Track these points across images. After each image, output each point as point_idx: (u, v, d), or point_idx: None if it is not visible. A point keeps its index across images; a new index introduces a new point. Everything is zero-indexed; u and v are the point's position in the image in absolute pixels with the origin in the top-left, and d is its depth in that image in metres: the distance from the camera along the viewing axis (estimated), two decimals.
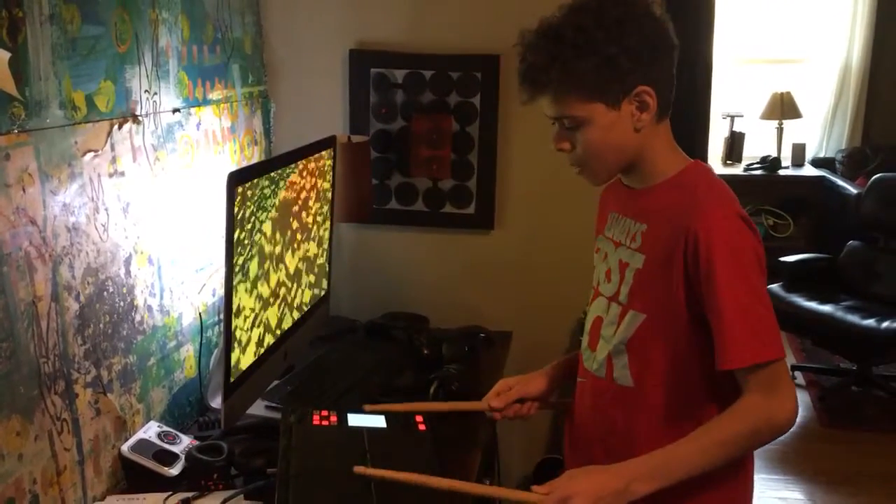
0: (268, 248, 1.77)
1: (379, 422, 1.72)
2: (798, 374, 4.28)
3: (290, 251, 1.92)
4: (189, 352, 1.92)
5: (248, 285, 1.69)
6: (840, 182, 5.18)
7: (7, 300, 1.30)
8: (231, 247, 1.57)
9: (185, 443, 1.70)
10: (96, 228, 1.54)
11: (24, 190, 1.33)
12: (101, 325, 1.56)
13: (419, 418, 1.76)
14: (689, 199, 1.31)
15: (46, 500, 1.41)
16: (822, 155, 5.82)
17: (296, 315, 2.01)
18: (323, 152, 2.09)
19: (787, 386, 1.27)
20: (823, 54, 5.70)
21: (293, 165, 1.88)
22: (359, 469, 1.34)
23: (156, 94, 1.74)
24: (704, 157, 5.60)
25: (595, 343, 1.46)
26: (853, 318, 3.82)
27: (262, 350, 1.80)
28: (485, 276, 2.52)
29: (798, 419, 3.81)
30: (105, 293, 1.57)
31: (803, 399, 4.08)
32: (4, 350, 1.29)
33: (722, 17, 5.49)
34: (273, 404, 1.90)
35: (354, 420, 1.71)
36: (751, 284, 1.26)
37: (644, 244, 1.37)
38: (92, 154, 1.51)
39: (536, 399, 1.64)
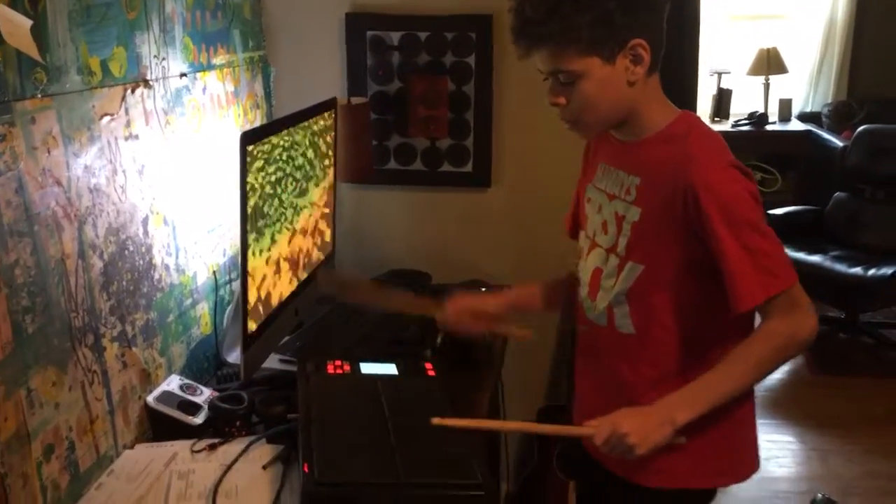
0: (276, 208, 1.84)
1: (390, 369, 1.80)
2: None
3: (296, 210, 1.98)
4: (204, 309, 1.99)
5: (259, 244, 1.75)
6: (826, 135, 5.25)
7: (39, 257, 1.36)
8: (245, 204, 1.64)
9: (205, 394, 1.78)
10: (115, 190, 1.60)
11: (49, 152, 1.39)
12: (124, 283, 1.63)
13: (428, 365, 1.85)
14: (681, 152, 1.36)
15: (82, 447, 1.48)
16: (808, 109, 5.89)
17: (305, 272, 2.08)
18: (325, 114, 2.15)
19: (804, 304, 1.33)
20: (808, 9, 5.74)
21: (297, 127, 1.94)
22: (436, 420, 1.38)
23: (164, 59, 1.79)
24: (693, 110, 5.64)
25: (595, 293, 1.52)
26: (840, 267, 3.93)
27: (277, 305, 1.88)
28: (484, 232, 2.59)
29: (787, 366, 3.93)
30: (126, 252, 1.64)
31: None
32: (39, 304, 1.36)
33: None
34: (287, 357, 1.98)
35: (367, 368, 1.80)
36: (751, 223, 1.31)
37: (639, 197, 1.42)
38: (108, 118, 1.57)
39: (492, 318, 1.70)
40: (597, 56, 1.34)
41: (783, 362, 1.39)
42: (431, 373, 1.82)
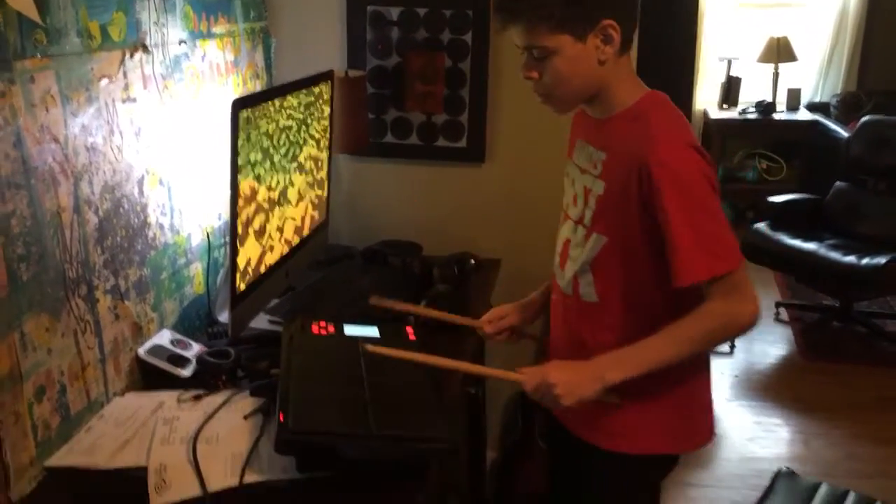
0: (269, 173, 1.91)
1: (372, 332, 1.87)
2: (783, 310, 4.45)
3: (290, 177, 2.05)
4: (198, 269, 2.07)
5: (251, 208, 1.83)
6: (832, 126, 5.26)
7: (35, 209, 1.44)
8: (235, 167, 1.70)
9: (195, 349, 1.86)
10: (112, 149, 1.67)
11: (47, 110, 1.46)
12: (118, 239, 1.71)
13: (409, 329, 1.92)
14: (642, 129, 1.42)
15: (73, 391, 1.57)
16: (817, 100, 5.90)
17: (296, 237, 2.15)
18: (321, 85, 2.21)
19: (747, 290, 1.39)
20: None
21: (293, 96, 2.01)
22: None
23: (163, 25, 1.86)
24: (688, 99, 5.70)
25: (564, 263, 1.59)
26: (835, 255, 3.97)
27: (266, 267, 1.95)
28: (476, 207, 2.66)
29: (780, 352, 4.02)
30: (121, 209, 1.71)
31: (786, 334, 4.25)
32: (34, 254, 1.44)
33: None
34: (276, 319, 2.06)
35: (350, 330, 1.87)
36: (702, 205, 1.37)
37: (604, 172, 1.48)
38: (106, 80, 1.64)
39: (524, 329, 1.81)
40: (568, 34, 1.40)
41: (718, 342, 1.47)
42: (412, 337, 1.89)
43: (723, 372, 3.87)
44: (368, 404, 1.52)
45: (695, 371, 1.55)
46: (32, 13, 1.40)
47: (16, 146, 1.38)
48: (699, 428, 1.60)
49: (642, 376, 1.40)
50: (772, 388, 3.78)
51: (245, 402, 1.67)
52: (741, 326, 1.40)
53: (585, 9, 1.39)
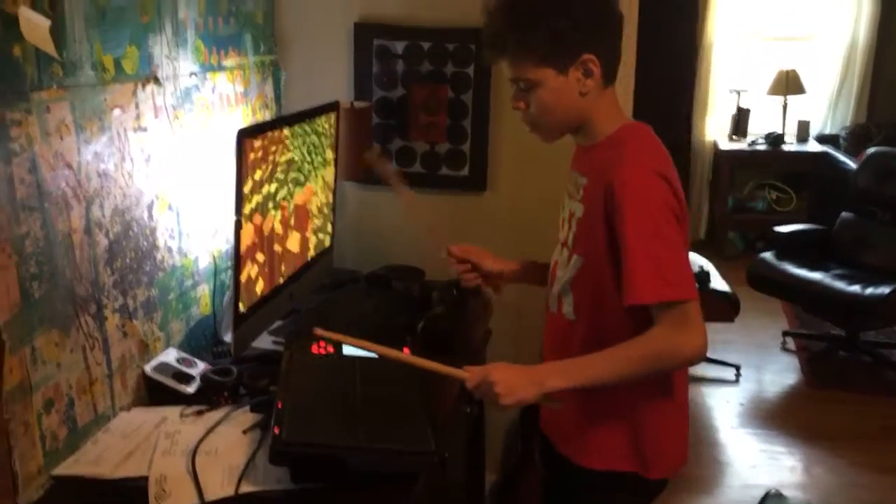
0: (275, 199, 2.00)
1: (370, 352, 1.94)
2: (789, 339, 4.47)
3: (295, 203, 2.14)
4: (205, 291, 2.15)
5: (256, 231, 1.91)
6: (841, 157, 5.30)
7: (48, 231, 1.53)
8: (240, 194, 1.79)
9: (200, 367, 1.94)
10: (122, 175, 1.76)
11: (61, 138, 1.56)
12: (128, 260, 1.80)
13: (406, 349, 1.99)
14: (616, 156, 1.49)
15: (81, 405, 1.65)
16: (827, 131, 5.96)
17: (301, 261, 2.24)
18: (327, 115, 2.31)
19: (696, 324, 1.41)
20: (830, 32, 5.82)
21: (300, 126, 2.10)
22: (318, 331, 1.57)
23: (175, 59, 1.96)
24: (688, 130, 5.77)
25: (553, 283, 1.67)
26: (840, 285, 4.00)
27: (270, 289, 2.03)
28: (478, 234, 2.72)
29: (786, 381, 4.05)
30: (130, 232, 1.80)
31: (792, 362, 4.28)
32: (46, 273, 1.53)
33: None
34: (279, 339, 2.13)
35: (348, 350, 1.94)
36: (658, 231, 1.42)
37: (584, 196, 1.56)
38: (119, 110, 1.74)
39: (487, 274, 1.90)
40: (551, 67, 1.48)
41: (660, 368, 1.48)
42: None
43: (728, 400, 3.90)
44: (360, 418, 1.59)
45: (663, 394, 1.60)
46: (49, 48, 1.50)
47: (31, 171, 1.48)
48: (667, 451, 1.64)
49: (584, 388, 1.46)
50: (777, 417, 3.80)
51: (245, 418, 1.75)
52: (683, 357, 1.44)
53: (566, 45, 1.47)
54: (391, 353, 1.60)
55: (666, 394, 1.61)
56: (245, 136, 1.80)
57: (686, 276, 1.44)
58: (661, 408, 1.61)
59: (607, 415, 1.58)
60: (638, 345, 1.43)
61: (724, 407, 3.84)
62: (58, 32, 1.53)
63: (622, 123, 1.57)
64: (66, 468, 1.58)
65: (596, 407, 1.58)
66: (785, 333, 4.50)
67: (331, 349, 1.94)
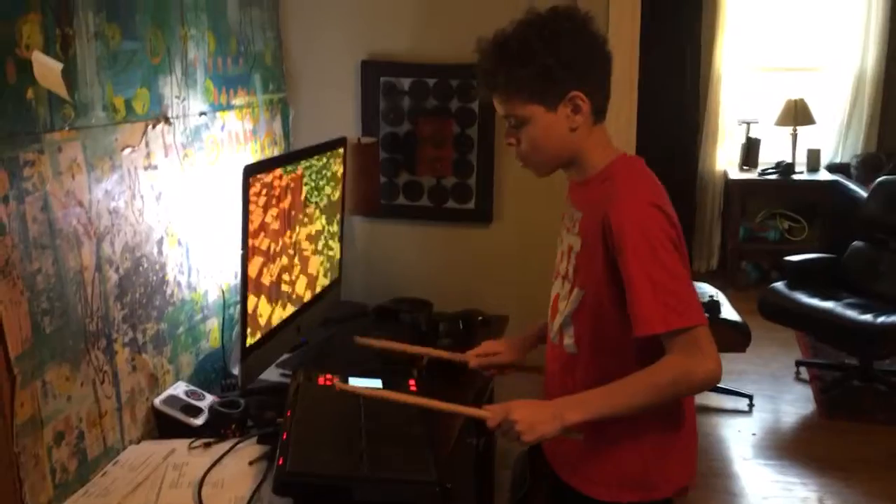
0: (283, 234, 2.04)
1: (376, 384, 1.97)
2: (803, 369, 4.45)
3: (303, 238, 2.18)
4: (214, 325, 2.19)
5: (263, 265, 1.95)
6: (852, 186, 5.31)
7: (59, 267, 1.57)
8: (246, 229, 1.83)
9: (208, 400, 1.96)
10: (133, 212, 1.81)
11: (73, 177, 1.61)
12: (137, 295, 1.84)
13: (412, 381, 2.01)
14: (610, 188, 1.53)
15: (90, 437, 1.68)
16: (837, 160, 5.96)
17: (309, 295, 2.27)
18: (334, 151, 2.36)
19: (708, 348, 1.43)
20: (838, 62, 5.85)
21: (307, 161, 2.15)
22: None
23: (185, 99, 2.01)
24: (694, 160, 5.82)
25: (554, 316, 1.69)
26: (851, 314, 3.98)
27: (277, 322, 2.06)
28: (485, 266, 2.76)
29: (799, 411, 4.05)
30: (140, 268, 1.85)
31: (806, 392, 4.25)
32: (57, 308, 1.57)
33: (739, 25, 5.72)
34: (286, 372, 2.16)
35: (354, 382, 1.96)
36: (660, 261, 1.44)
37: (581, 230, 1.58)
38: (130, 149, 1.79)
39: (512, 365, 1.91)
40: (540, 104, 1.52)
41: (676, 395, 1.51)
42: (413, 388, 1.98)
43: (741, 430, 3.88)
44: (364, 449, 1.61)
45: (669, 420, 1.61)
46: (61, 91, 1.56)
47: (43, 210, 1.53)
48: (673, 475, 1.65)
49: (603, 419, 1.48)
50: (791, 447, 3.77)
51: (252, 450, 1.77)
52: (697, 382, 1.45)
53: (554, 82, 1.50)
54: (416, 400, 1.67)
55: (672, 419, 1.61)
56: (251, 172, 1.84)
57: (692, 302, 1.45)
58: (667, 434, 1.62)
59: (613, 444, 1.59)
60: (652, 373, 1.45)
61: (737, 437, 3.82)
62: (69, 75, 1.58)
63: (613, 157, 1.60)
64: (75, 501, 1.60)
65: (601, 436, 1.59)
66: (798, 363, 4.47)
67: (336, 380, 1.96)
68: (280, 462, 1.53)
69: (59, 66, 1.55)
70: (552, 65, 1.48)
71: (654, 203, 1.48)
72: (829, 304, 4.11)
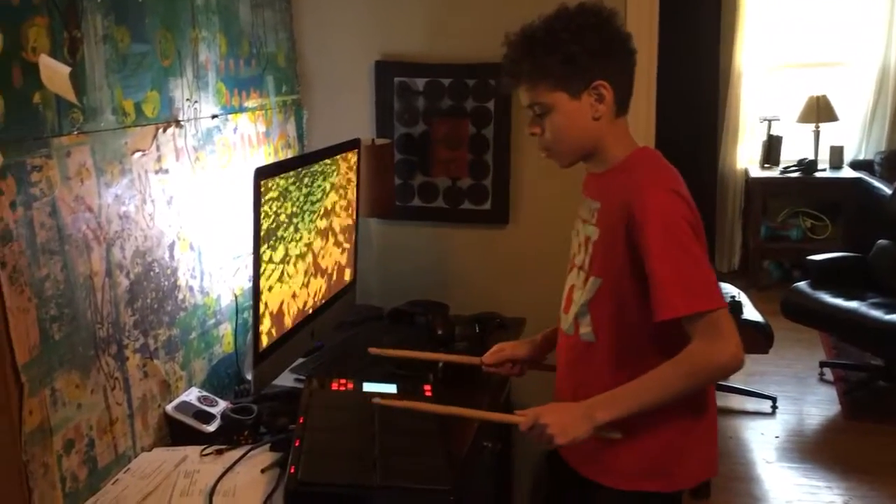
0: (295, 237, 2.01)
1: (390, 388, 1.94)
2: (827, 370, 4.37)
3: (317, 240, 2.15)
4: (227, 329, 2.17)
5: (277, 269, 1.92)
6: (876, 183, 5.22)
7: (69, 273, 1.55)
8: (258, 230, 1.81)
9: (221, 406, 1.94)
10: (144, 217, 1.79)
11: (82, 182, 1.59)
12: (149, 300, 1.82)
13: (427, 386, 1.98)
14: (630, 179, 1.55)
15: (101, 445, 1.66)
16: (861, 157, 5.87)
17: (323, 298, 2.24)
18: (348, 153, 2.33)
19: (728, 332, 1.45)
20: (862, 57, 5.76)
21: (321, 164, 2.12)
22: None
23: (196, 102, 1.99)
24: (714, 157, 5.76)
25: (568, 307, 1.70)
26: (877, 314, 3.91)
27: (290, 326, 2.04)
28: (501, 268, 2.72)
29: (823, 413, 3.97)
30: (151, 273, 1.83)
31: (830, 394, 4.18)
32: (67, 315, 1.55)
33: (759, 21, 5.64)
34: (300, 377, 2.13)
35: (368, 387, 1.94)
36: (681, 245, 1.46)
37: (599, 219, 1.61)
38: (140, 153, 1.77)
39: (526, 361, 1.91)
40: (564, 91, 1.55)
41: (701, 382, 1.53)
42: (428, 393, 1.95)
43: (764, 433, 3.82)
44: (377, 457, 1.58)
45: (689, 411, 1.60)
46: (69, 95, 1.54)
47: (51, 215, 1.51)
48: (693, 467, 1.66)
49: (633, 415, 1.48)
50: (815, 450, 3.70)
51: (264, 457, 1.74)
52: (719, 366, 1.46)
53: (579, 69, 1.53)
54: (451, 410, 1.67)
55: (693, 408, 1.61)
56: (262, 175, 1.82)
57: (712, 286, 1.47)
58: (688, 423, 1.62)
59: (633, 434, 1.57)
60: (676, 364, 1.46)
61: (760, 440, 3.76)
62: (78, 79, 1.57)
63: (633, 150, 1.63)
64: None
65: (621, 427, 1.56)
66: (822, 364, 4.40)
67: (350, 385, 1.94)
68: (292, 470, 1.51)
69: (66, 69, 1.53)
70: (577, 52, 1.52)
71: (674, 189, 1.51)
72: (853, 304, 4.03)
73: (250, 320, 2.25)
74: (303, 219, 2.06)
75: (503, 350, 1.91)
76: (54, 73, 1.50)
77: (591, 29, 1.54)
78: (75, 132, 1.57)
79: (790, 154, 5.85)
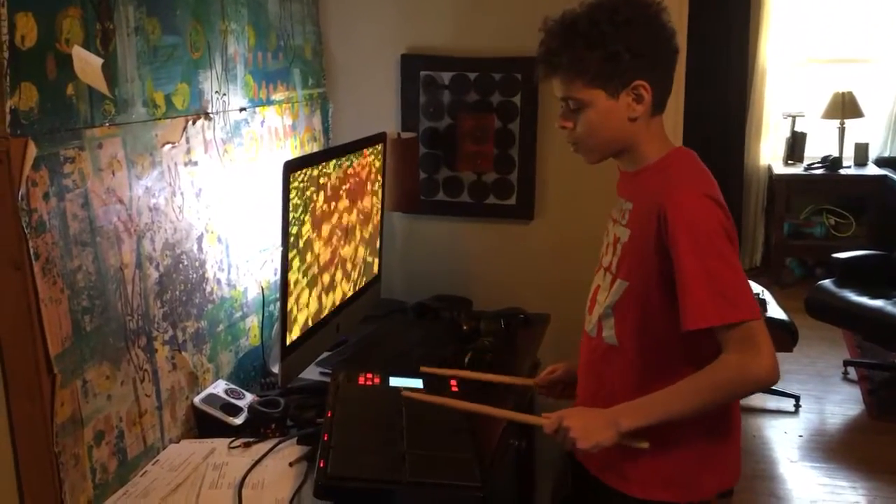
0: (322, 231, 2.01)
1: (416, 383, 1.93)
2: (851, 369, 4.33)
3: (342, 234, 2.15)
4: (253, 322, 2.17)
5: (303, 262, 1.92)
6: None
7: (99, 265, 1.56)
8: (286, 224, 1.81)
9: (248, 399, 1.94)
10: (173, 209, 1.79)
11: (113, 174, 1.59)
12: (177, 293, 1.82)
13: (453, 382, 1.97)
14: (664, 180, 1.49)
15: (130, 436, 1.66)
16: (886, 154, 5.80)
17: (348, 292, 2.24)
18: (374, 147, 2.32)
19: (763, 343, 1.39)
20: (888, 54, 5.69)
21: (347, 157, 2.11)
22: (406, 393, 1.74)
23: (225, 94, 1.99)
24: (740, 154, 5.71)
25: (592, 307, 1.65)
26: None
27: (317, 320, 2.04)
28: (526, 263, 2.71)
29: (847, 412, 3.95)
30: (180, 265, 1.83)
31: (854, 393, 4.14)
32: (98, 306, 1.55)
33: (785, 16, 5.58)
34: (326, 370, 2.13)
35: (395, 381, 1.93)
36: (716, 251, 1.41)
37: (630, 221, 1.55)
38: (170, 145, 1.77)
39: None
40: (602, 89, 1.48)
41: (732, 395, 1.48)
42: (455, 388, 1.94)
43: (787, 432, 3.79)
44: (406, 452, 1.57)
45: (711, 420, 1.55)
46: (102, 87, 1.54)
47: (83, 207, 1.51)
48: (711, 480, 1.61)
49: (659, 424, 1.44)
50: (839, 450, 3.67)
51: (291, 450, 1.74)
52: (754, 380, 1.41)
53: (620, 68, 1.46)
54: (477, 408, 1.66)
55: (716, 420, 1.57)
56: (291, 168, 1.81)
57: (748, 295, 1.41)
58: (712, 434, 1.57)
59: (654, 442, 1.52)
60: (708, 374, 1.41)
61: (783, 439, 3.73)
62: (110, 71, 1.57)
63: (668, 150, 1.57)
64: (115, 501, 1.59)
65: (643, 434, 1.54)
66: (846, 363, 4.36)
67: (377, 380, 1.93)
68: (321, 465, 1.50)
69: (99, 61, 1.53)
70: (620, 51, 1.45)
71: (710, 194, 1.46)
72: (878, 303, 3.99)
73: (276, 313, 2.26)
74: (331, 213, 2.05)
75: (556, 371, 1.86)
76: (87, 64, 1.50)
77: (639, 24, 1.46)
78: (107, 124, 1.57)
79: (814, 151, 5.79)
